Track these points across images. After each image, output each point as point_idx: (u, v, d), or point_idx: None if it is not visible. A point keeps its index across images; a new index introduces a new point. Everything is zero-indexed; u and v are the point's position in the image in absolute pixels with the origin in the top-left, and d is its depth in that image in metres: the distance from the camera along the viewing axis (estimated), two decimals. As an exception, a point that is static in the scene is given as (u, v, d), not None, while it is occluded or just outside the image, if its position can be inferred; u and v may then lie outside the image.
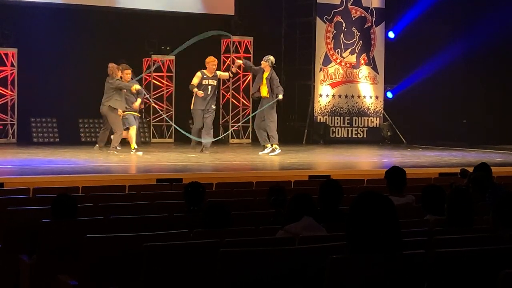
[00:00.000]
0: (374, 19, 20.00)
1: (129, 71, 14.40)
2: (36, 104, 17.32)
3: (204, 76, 14.57)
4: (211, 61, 14.71)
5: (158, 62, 17.83)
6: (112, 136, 14.17)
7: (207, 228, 5.36)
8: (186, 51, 16.98)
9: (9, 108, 17.04)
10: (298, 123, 19.81)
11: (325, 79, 19.58)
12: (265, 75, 14.62)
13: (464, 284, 3.79)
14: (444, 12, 19.91)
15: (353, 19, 19.82)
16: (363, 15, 19.92)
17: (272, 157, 14.18)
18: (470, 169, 8.17)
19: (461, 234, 4.87)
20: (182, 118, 18.64)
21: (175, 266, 4.56)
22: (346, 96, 19.83)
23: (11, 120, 17.08)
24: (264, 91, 14.56)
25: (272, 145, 14.45)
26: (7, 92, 17.00)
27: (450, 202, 5.29)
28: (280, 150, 14.35)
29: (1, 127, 17.07)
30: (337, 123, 19.77)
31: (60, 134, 17.59)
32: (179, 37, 17.88)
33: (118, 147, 13.99)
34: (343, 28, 19.69)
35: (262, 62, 14.71)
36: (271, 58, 14.70)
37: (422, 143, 18.47)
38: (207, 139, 14.53)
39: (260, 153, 14.55)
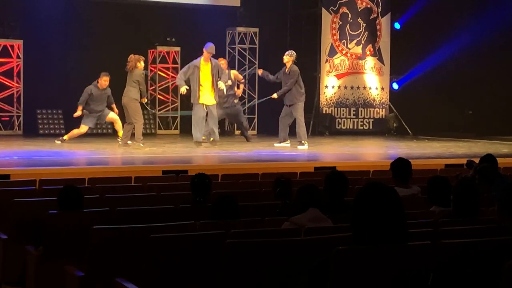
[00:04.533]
0: (379, 10, 19.96)
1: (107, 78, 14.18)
2: (42, 95, 17.33)
3: None
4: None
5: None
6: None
7: (215, 220, 5.37)
8: (191, 42, 17.00)
9: (15, 99, 17.06)
10: (304, 115, 19.76)
11: (330, 70, 19.56)
12: (286, 71, 14.63)
13: (469, 275, 3.79)
14: (450, 3, 19.84)
15: (359, 10, 19.78)
16: (368, 6, 19.88)
17: (278, 148, 14.28)
18: (476, 160, 8.16)
19: (466, 225, 4.87)
20: (188, 109, 18.64)
21: (181, 257, 4.57)
22: (351, 87, 19.81)
23: (17, 112, 17.11)
24: None
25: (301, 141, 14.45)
26: (13, 84, 17.02)
27: (456, 194, 5.28)
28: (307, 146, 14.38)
29: (7, 118, 17.09)
30: (343, 114, 19.75)
31: (66, 125, 17.59)
32: (184, 29, 17.90)
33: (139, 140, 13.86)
34: (349, 19, 19.66)
35: (284, 56, 14.61)
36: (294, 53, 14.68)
37: (427, 134, 18.44)
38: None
39: (275, 144, 14.63)
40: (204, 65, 14.06)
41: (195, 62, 14.12)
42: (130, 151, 13.11)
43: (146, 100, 14.48)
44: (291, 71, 14.51)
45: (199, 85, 13.99)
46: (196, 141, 14.03)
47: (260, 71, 15.20)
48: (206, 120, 14.12)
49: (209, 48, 14.12)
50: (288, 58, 14.56)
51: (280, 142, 14.69)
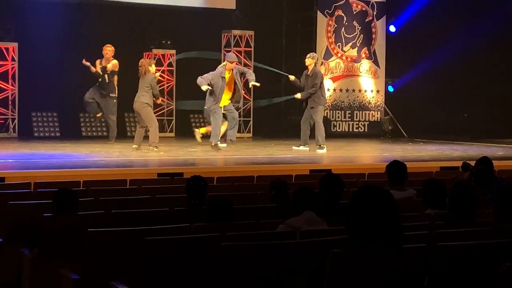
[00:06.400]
0: (375, 12, 19.97)
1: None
2: (37, 98, 17.30)
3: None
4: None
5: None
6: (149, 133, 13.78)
7: (210, 223, 5.36)
8: (186, 45, 17.01)
9: (10, 102, 17.03)
10: (299, 117, 19.74)
11: (326, 73, 19.55)
12: (308, 73, 14.48)
13: (465, 278, 3.79)
14: (445, 6, 19.87)
15: (354, 13, 19.80)
16: (364, 8, 19.90)
17: (276, 152, 14.26)
18: (472, 163, 8.16)
19: (462, 228, 4.87)
20: (183, 112, 18.65)
21: (176, 260, 4.57)
22: (347, 90, 19.82)
23: (12, 115, 17.08)
24: None
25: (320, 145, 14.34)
26: (8, 87, 17.00)
27: (452, 196, 5.29)
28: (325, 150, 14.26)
29: (2, 121, 17.06)
30: (338, 117, 19.75)
31: (61, 128, 17.58)
32: (180, 31, 17.88)
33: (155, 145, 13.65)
34: (344, 22, 19.67)
35: (306, 59, 14.50)
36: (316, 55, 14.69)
37: (423, 137, 18.46)
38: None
39: (294, 147, 14.60)
40: (228, 74, 14.20)
41: (221, 72, 14.07)
42: (124, 154, 13.09)
43: (160, 101, 14.42)
44: (314, 73, 14.36)
45: (223, 93, 14.07)
46: (215, 144, 13.85)
47: (292, 78, 14.75)
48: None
49: (229, 57, 14.36)
50: (310, 61, 14.44)
51: (299, 146, 14.63)
